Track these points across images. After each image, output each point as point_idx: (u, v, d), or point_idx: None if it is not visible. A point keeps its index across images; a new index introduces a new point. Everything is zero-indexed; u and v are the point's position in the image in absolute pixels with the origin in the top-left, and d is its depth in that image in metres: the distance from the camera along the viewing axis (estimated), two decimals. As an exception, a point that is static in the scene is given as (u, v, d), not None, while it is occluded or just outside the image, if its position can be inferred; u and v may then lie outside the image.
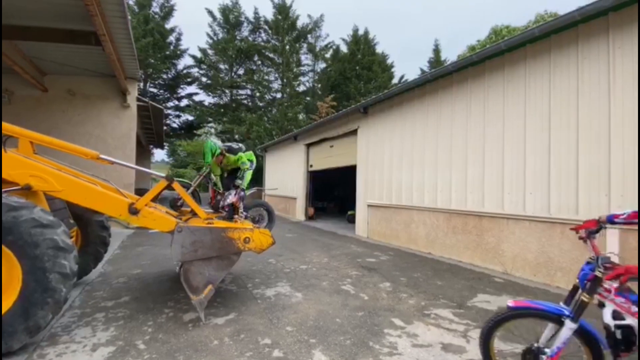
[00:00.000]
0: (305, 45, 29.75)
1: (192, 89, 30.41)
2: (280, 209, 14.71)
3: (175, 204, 4.76)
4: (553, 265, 4.54)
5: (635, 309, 1.53)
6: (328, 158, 11.44)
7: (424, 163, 6.95)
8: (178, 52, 28.79)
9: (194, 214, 3.81)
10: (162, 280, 4.46)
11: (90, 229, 4.21)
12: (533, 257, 4.79)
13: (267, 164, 17.97)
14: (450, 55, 30.20)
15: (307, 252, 6.59)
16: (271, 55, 28.79)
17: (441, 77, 6.50)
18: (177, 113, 30.59)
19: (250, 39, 28.85)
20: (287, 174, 14.31)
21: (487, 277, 4.86)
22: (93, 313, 3.29)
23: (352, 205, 9.90)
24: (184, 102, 30.52)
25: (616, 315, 1.59)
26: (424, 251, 6.76)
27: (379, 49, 29.88)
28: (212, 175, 5.40)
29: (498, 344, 2.11)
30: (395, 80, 29.37)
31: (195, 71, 29.55)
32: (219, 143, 5.12)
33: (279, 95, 29.28)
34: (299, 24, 28.77)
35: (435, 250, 6.53)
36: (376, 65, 28.50)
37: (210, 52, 28.65)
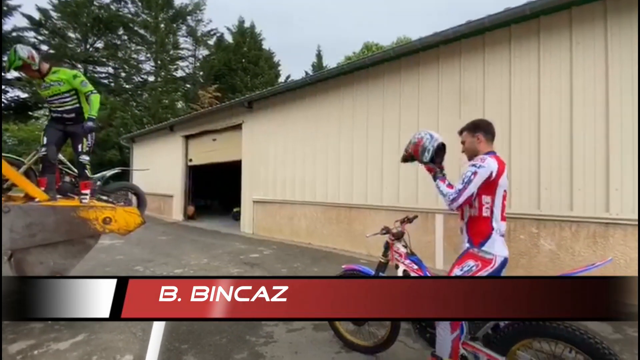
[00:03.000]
0: (184, 27, 27.01)
1: (25, 57, 23.28)
2: (153, 208, 13.04)
3: None
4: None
5: (415, 266, 2.17)
6: (211, 152, 10.78)
7: (304, 160, 7.40)
8: (4, 7, 21.58)
9: (29, 198, 2.98)
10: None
11: None
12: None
13: (136, 156, 15.60)
14: (331, 61, 32.76)
15: (183, 254, 6.09)
16: (141, 31, 24.95)
17: (319, 81, 7.04)
18: (4, 87, 22.99)
19: (112, 7, 24.20)
20: (161, 169, 12.74)
21: (355, 260, 5.59)
22: None
23: (238, 202, 9.66)
24: (14, 74, 23.18)
25: (405, 273, 2.19)
26: (305, 242, 7.23)
27: (265, 46, 29.84)
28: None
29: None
30: (281, 79, 29.95)
31: (31, 36, 22.75)
32: (30, 51, 3.12)
33: (151, 78, 25.69)
34: (177, 2, 25.92)
35: (315, 240, 7.08)
36: (263, 61, 28.37)
37: (54, 15, 22.64)
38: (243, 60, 27.50)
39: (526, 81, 4.43)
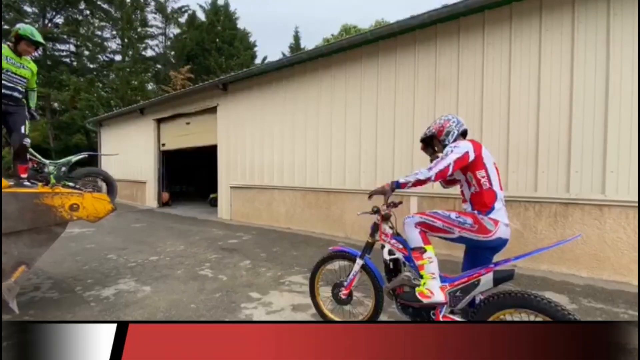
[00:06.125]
0: (152, 2, 25.37)
1: (-29, 31, 21.06)
2: (125, 195, 12.56)
3: None
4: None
5: (400, 245, 2.24)
6: (184, 136, 10.41)
7: (283, 144, 7.32)
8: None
9: None
10: None
11: None
12: (365, 222, 5.91)
13: (104, 141, 14.81)
14: (309, 43, 32.08)
15: (159, 241, 5.95)
16: (105, 6, 23.20)
17: (297, 63, 6.89)
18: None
19: (71, -22, 22.21)
20: (132, 154, 12.20)
21: (334, 243, 5.69)
22: None
23: (215, 187, 9.47)
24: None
25: (390, 252, 2.29)
26: (284, 227, 7.25)
27: (240, 25, 28.64)
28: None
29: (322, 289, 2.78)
30: (258, 61, 29.02)
31: (-20, 9, 20.56)
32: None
33: (118, 57, 24.16)
34: (144, -26, 24.18)
35: (294, 225, 7.11)
36: (238, 41, 27.29)
37: (5, -16, 20.48)
38: (217, 40, 26.33)
39: (498, 67, 4.56)
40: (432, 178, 1.93)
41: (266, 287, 3.62)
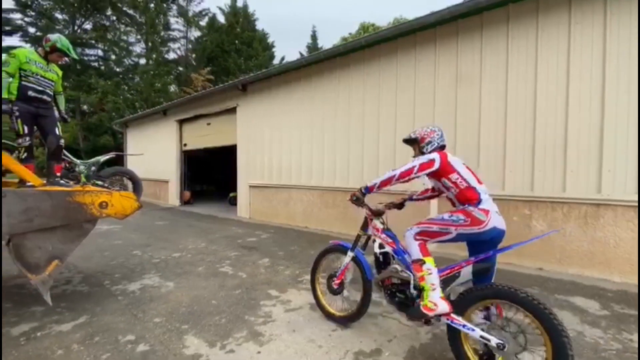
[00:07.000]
0: (174, 7, 26.12)
1: (13, 40, 22.38)
2: (149, 194, 13.01)
3: None
4: (393, 226, 5.67)
5: (389, 239, 2.37)
6: (205, 137, 10.67)
7: (300, 144, 7.36)
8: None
9: (22, 183, 3.02)
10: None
11: None
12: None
13: (129, 141, 15.40)
14: (326, 42, 32.06)
15: (181, 239, 6.13)
16: (130, 11, 24.09)
17: (315, 63, 6.90)
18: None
19: (99, -15, 23.19)
20: (155, 154, 12.63)
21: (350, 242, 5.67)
22: None
23: (234, 187, 9.66)
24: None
25: (380, 246, 2.41)
26: (301, 226, 7.29)
27: (259, 26, 29.06)
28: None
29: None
30: (276, 61, 29.33)
31: (18, 18, 21.84)
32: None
33: (142, 61, 25.03)
34: (166, -20, 24.92)
35: (311, 224, 7.15)
36: (257, 42, 27.69)
37: (39, -6, 21.68)
38: (236, 41, 26.81)
39: (523, 62, 4.39)
40: (396, 176, 2.10)
41: (284, 285, 3.66)
